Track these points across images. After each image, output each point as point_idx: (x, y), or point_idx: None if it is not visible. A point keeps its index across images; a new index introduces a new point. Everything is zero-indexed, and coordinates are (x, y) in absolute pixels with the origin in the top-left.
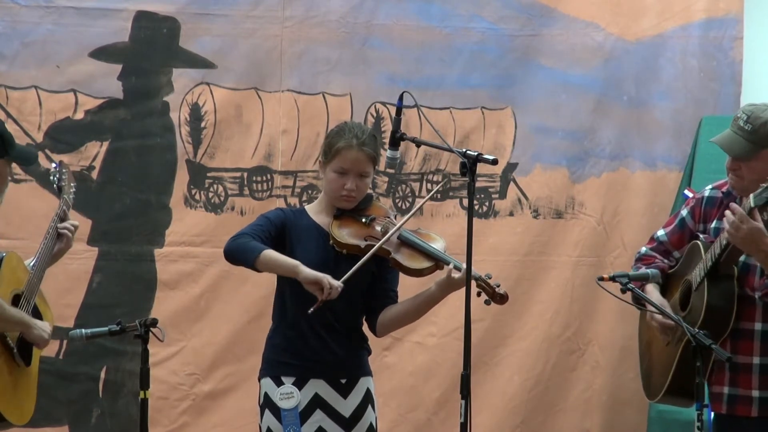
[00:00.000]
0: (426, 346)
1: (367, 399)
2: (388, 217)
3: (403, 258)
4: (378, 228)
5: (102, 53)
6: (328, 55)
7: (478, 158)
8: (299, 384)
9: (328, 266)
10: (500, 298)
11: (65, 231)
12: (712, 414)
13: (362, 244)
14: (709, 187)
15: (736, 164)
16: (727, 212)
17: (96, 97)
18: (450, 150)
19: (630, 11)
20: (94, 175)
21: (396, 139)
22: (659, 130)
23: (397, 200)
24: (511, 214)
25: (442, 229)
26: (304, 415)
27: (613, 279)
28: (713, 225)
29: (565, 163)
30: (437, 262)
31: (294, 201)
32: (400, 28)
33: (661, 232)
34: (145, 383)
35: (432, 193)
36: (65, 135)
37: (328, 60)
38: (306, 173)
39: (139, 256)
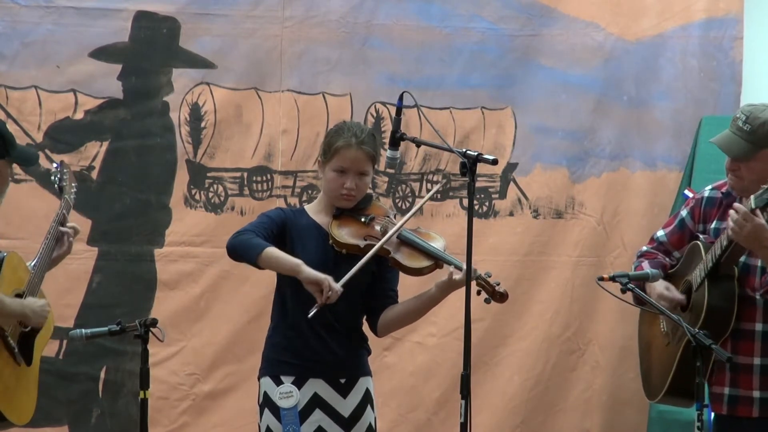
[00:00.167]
0: (426, 346)
1: (367, 399)
2: (388, 217)
3: (403, 257)
4: (377, 227)
5: (102, 53)
6: (328, 55)
7: (478, 158)
8: (298, 383)
9: (327, 266)
10: (500, 297)
11: (66, 231)
12: (713, 414)
13: (362, 243)
14: (709, 187)
15: (735, 165)
16: (731, 211)
17: (96, 97)
18: (450, 150)
19: (630, 11)
20: (94, 175)
21: (396, 139)
22: (659, 130)
23: (397, 200)
24: (511, 214)
25: (442, 229)
26: (304, 414)
27: (613, 279)
28: (713, 225)
29: (565, 163)
30: (437, 261)
31: (294, 201)
32: (400, 28)
33: (660, 233)
34: (145, 383)
35: (431, 193)
36: (65, 135)
37: (328, 60)
38: (306, 173)
39: (139, 256)
